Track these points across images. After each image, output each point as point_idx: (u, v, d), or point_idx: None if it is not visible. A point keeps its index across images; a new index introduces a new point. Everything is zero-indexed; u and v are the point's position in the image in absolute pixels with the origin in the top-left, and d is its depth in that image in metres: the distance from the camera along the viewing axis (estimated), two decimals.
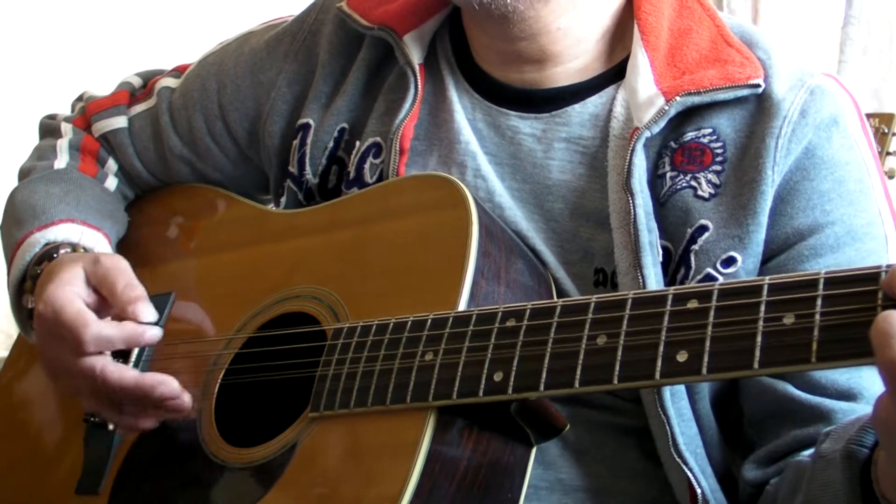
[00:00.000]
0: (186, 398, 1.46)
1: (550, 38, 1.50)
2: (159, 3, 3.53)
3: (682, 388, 1.39)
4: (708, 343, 1.09)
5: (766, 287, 1.08)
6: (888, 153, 3.33)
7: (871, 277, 1.02)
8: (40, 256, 1.62)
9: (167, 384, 1.45)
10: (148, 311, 1.48)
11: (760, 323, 1.06)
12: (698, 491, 1.39)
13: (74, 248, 1.62)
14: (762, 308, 1.07)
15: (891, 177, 3.33)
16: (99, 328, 1.45)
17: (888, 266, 1.02)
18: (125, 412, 1.50)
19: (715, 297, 1.11)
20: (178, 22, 3.50)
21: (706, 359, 1.08)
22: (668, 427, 1.38)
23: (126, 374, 1.46)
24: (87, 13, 3.38)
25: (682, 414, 1.39)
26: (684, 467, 1.38)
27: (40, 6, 3.31)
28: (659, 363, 1.12)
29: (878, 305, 1.00)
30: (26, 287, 1.62)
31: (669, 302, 1.14)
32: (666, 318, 1.13)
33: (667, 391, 1.37)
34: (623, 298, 1.18)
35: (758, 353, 1.05)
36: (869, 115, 3.37)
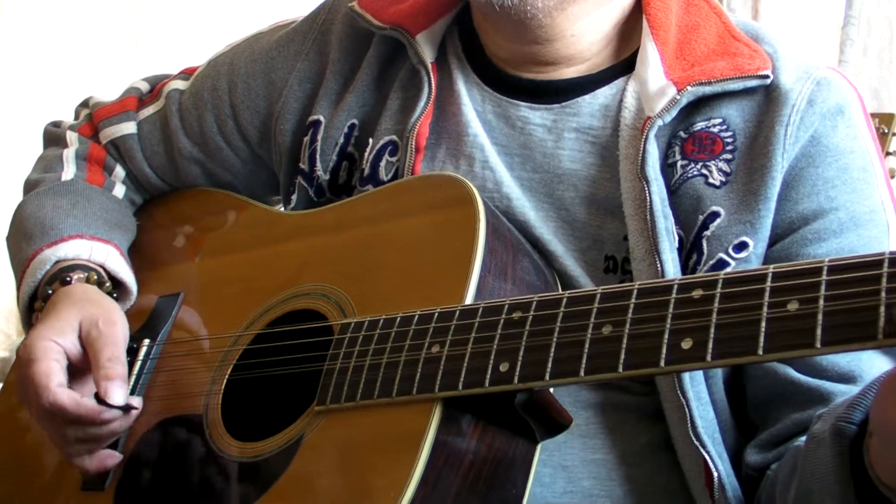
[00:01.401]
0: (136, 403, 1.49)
1: (565, 42, 1.53)
2: (163, 7, 3.53)
3: (699, 372, 1.41)
4: (712, 330, 1.10)
5: (770, 275, 1.09)
6: (888, 153, 3.34)
7: (873, 264, 1.03)
8: (52, 275, 1.63)
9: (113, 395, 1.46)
10: (118, 395, 1.46)
11: (765, 309, 1.07)
12: (715, 474, 1.40)
13: (87, 271, 1.63)
14: (766, 295, 1.08)
15: (891, 177, 3.33)
16: (55, 396, 1.45)
17: (892, 253, 1.03)
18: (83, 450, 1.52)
19: (719, 286, 1.12)
20: (181, 25, 3.50)
21: (710, 346, 1.09)
22: (687, 410, 1.40)
23: (62, 396, 1.46)
24: (90, 16, 3.38)
25: (700, 398, 1.41)
26: (702, 451, 1.40)
27: (43, 9, 3.32)
28: (664, 351, 1.12)
29: (882, 289, 1.01)
30: (37, 306, 1.63)
31: (674, 291, 1.15)
32: (671, 306, 1.14)
33: (686, 374, 1.39)
34: (628, 289, 1.19)
35: (762, 339, 1.06)
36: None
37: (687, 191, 1.45)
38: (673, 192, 1.46)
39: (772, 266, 1.10)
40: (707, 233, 1.43)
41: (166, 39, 3.43)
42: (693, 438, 1.40)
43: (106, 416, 1.46)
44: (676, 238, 1.44)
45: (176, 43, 3.37)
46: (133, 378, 1.58)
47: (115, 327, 1.54)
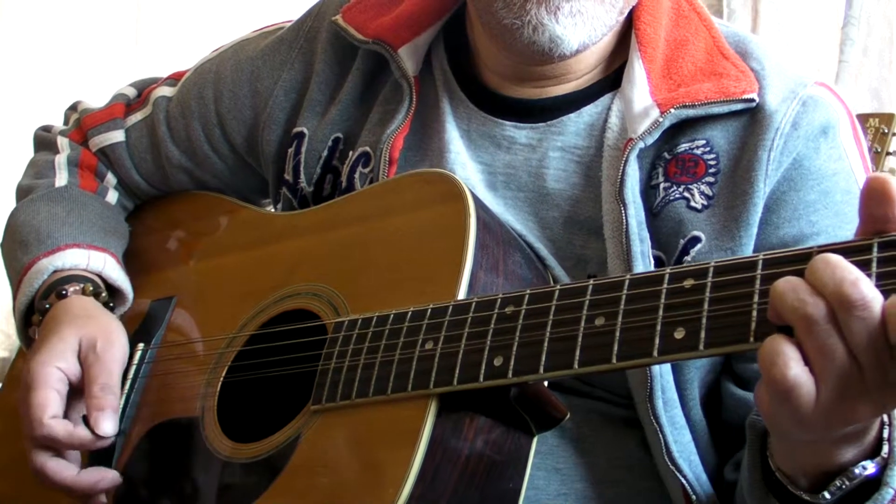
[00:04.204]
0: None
1: (570, 62, 1.52)
2: (163, 7, 3.53)
3: (674, 396, 1.40)
4: (705, 319, 1.09)
5: (760, 262, 1.08)
6: (888, 153, 3.33)
7: (863, 248, 1.02)
8: (48, 287, 1.62)
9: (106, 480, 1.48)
10: (107, 426, 1.46)
11: (756, 297, 1.06)
12: (693, 497, 1.40)
13: (83, 283, 1.62)
14: (757, 282, 1.07)
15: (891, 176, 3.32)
16: (50, 429, 1.45)
17: (880, 235, 1.02)
18: None
19: (710, 275, 1.11)
20: (181, 25, 3.51)
21: (703, 335, 1.09)
22: (661, 436, 1.39)
23: (64, 473, 1.47)
24: (90, 16, 3.39)
25: (674, 422, 1.40)
26: (678, 475, 1.39)
27: (38, 12, 3.32)
28: (657, 341, 1.12)
29: (872, 274, 1.00)
30: (34, 320, 1.62)
31: (666, 281, 1.14)
32: (662, 296, 1.13)
33: (659, 400, 1.38)
34: (620, 280, 1.18)
35: (754, 326, 1.05)
36: (869, 115, 3.37)
37: (668, 214, 1.44)
38: (655, 214, 1.44)
39: (762, 253, 1.09)
40: (688, 258, 1.41)
41: (166, 39, 3.43)
42: (668, 463, 1.39)
43: (97, 446, 1.47)
44: (652, 262, 1.42)
45: (176, 43, 3.37)
46: (128, 383, 1.58)
47: (112, 348, 1.53)
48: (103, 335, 1.54)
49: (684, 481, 1.39)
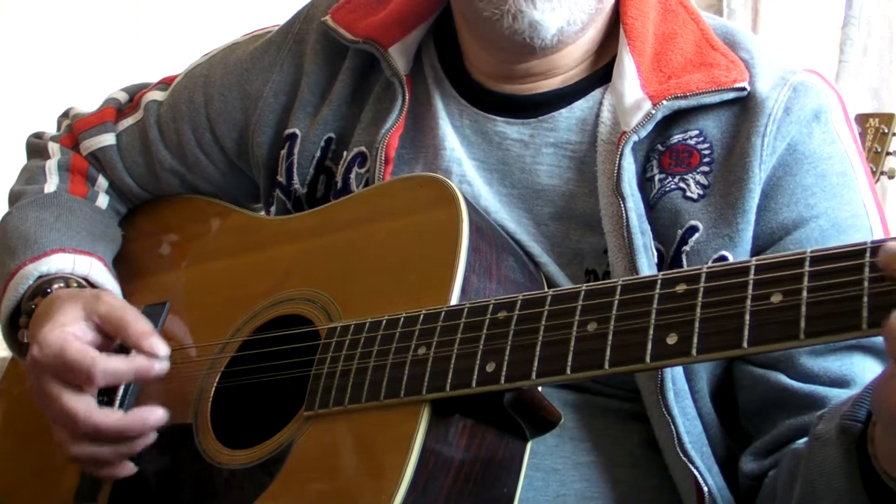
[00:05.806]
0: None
1: (555, 56, 1.52)
2: (163, 7, 3.54)
3: (685, 387, 1.40)
4: (697, 324, 1.09)
5: (752, 267, 1.08)
6: (888, 153, 3.34)
7: (856, 253, 1.02)
8: (34, 290, 1.61)
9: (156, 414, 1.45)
10: (163, 346, 1.45)
11: (748, 302, 1.06)
12: (705, 489, 1.38)
13: (67, 280, 1.61)
14: (750, 287, 1.07)
15: (891, 177, 3.34)
16: (107, 362, 1.43)
17: (873, 242, 1.02)
18: (105, 460, 1.48)
19: (703, 280, 1.11)
20: (181, 25, 3.51)
21: (695, 340, 1.08)
22: (673, 427, 1.38)
23: (111, 416, 1.44)
24: (90, 16, 3.39)
25: (686, 413, 1.39)
26: (691, 466, 1.38)
27: (38, 13, 3.32)
28: (649, 346, 1.12)
29: (864, 278, 1.00)
30: (21, 322, 1.62)
31: (658, 286, 1.14)
32: (655, 301, 1.13)
33: (670, 392, 1.38)
34: (612, 285, 1.18)
35: (746, 331, 1.05)
36: (869, 115, 3.38)
37: (665, 205, 1.44)
38: (651, 206, 1.44)
39: (754, 258, 1.09)
40: (686, 248, 1.41)
41: (166, 39, 3.43)
42: (681, 454, 1.38)
43: (155, 371, 1.44)
44: (655, 254, 1.42)
45: (176, 43, 3.37)
46: (122, 389, 1.56)
47: (116, 298, 1.54)
48: (103, 292, 1.56)
49: (697, 473, 1.38)
